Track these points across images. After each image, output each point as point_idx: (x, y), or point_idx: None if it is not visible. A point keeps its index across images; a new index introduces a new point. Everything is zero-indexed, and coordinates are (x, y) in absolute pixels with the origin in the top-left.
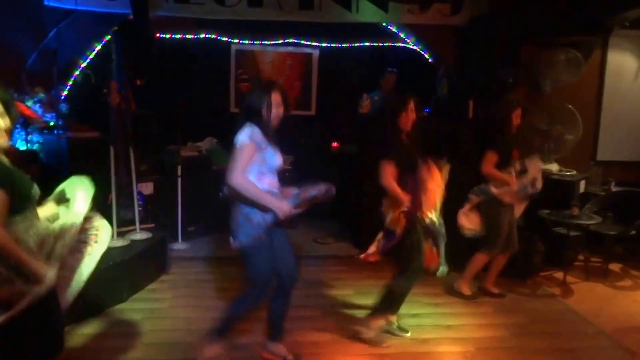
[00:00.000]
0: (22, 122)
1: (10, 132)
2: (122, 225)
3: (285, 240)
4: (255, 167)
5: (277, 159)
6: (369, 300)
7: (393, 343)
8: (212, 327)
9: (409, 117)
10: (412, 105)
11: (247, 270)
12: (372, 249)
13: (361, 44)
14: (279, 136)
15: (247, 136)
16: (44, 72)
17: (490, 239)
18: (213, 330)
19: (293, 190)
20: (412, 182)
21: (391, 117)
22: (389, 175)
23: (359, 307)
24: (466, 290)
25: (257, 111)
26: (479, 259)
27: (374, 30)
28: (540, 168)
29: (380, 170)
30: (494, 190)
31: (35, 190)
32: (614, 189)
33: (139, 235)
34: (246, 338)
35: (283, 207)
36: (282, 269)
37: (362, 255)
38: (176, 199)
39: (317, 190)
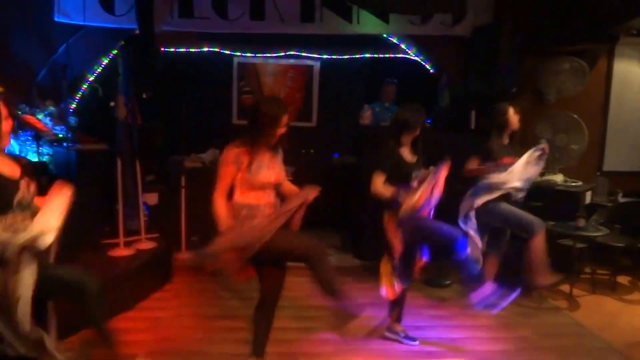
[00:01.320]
0: (34, 135)
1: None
2: (129, 235)
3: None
4: (239, 182)
5: (263, 174)
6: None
7: (396, 354)
8: None
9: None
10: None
11: None
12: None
13: (362, 56)
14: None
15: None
16: (53, 86)
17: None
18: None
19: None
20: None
21: (399, 130)
22: (378, 184)
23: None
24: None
25: (265, 123)
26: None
27: (375, 42)
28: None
29: (372, 180)
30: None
31: (20, 197)
32: (621, 200)
33: (145, 245)
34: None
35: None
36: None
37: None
38: (180, 209)
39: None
